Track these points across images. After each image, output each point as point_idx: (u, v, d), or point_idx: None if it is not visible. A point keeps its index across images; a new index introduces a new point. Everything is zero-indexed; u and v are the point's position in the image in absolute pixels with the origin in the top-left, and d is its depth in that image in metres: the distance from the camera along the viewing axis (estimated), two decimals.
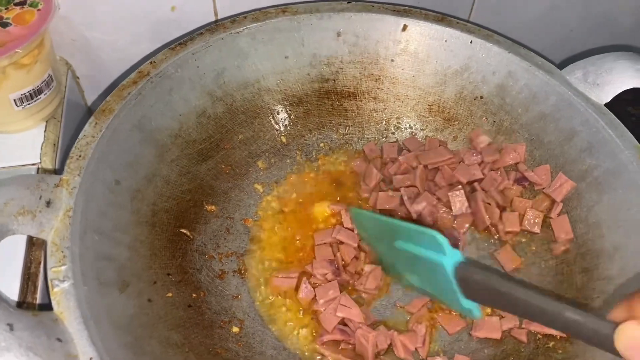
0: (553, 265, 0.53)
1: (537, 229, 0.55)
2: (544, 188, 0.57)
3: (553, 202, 0.56)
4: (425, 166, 0.59)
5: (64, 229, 0.43)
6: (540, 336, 0.50)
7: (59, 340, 0.38)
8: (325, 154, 0.63)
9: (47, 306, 0.42)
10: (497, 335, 0.50)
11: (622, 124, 0.54)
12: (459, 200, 0.56)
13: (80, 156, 0.47)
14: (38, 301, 0.46)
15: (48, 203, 0.44)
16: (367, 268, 0.53)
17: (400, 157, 0.60)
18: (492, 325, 0.50)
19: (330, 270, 0.53)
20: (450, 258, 0.39)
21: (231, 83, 0.58)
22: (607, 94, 0.55)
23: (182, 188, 0.54)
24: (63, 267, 0.41)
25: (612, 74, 0.56)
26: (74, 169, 0.46)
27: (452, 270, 0.39)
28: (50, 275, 0.41)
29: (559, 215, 0.55)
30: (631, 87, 0.55)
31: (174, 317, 0.47)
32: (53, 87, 0.56)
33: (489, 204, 0.56)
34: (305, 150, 0.62)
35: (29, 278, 0.47)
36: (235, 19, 0.58)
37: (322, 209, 0.59)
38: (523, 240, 0.56)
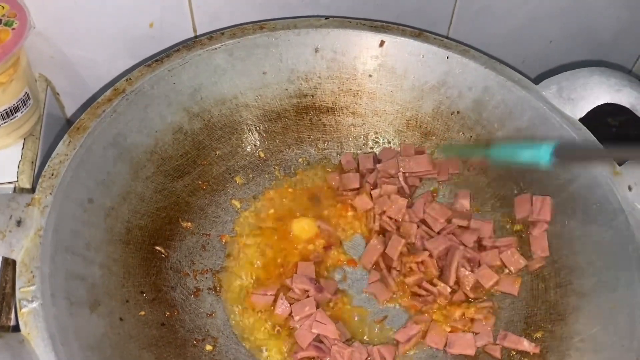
0: (528, 281, 0.54)
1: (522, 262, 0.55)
2: (528, 216, 0.57)
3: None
4: (405, 174, 0.60)
5: (34, 248, 0.43)
6: (514, 352, 0.50)
7: None
8: (304, 169, 0.63)
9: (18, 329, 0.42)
10: (471, 351, 0.50)
11: (596, 140, 0.54)
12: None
13: (52, 174, 0.47)
14: (12, 322, 0.46)
15: (19, 222, 0.44)
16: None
17: (378, 166, 0.61)
18: (466, 341, 0.50)
19: (312, 287, 0.53)
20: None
21: (208, 99, 0.59)
22: (582, 109, 0.56)
23: (158, 205, 0.54)
24: (32, 287, 0.41)
25: (586, 89, 0.56)
26: (46, 188, 0.46)
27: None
28: (18, 295, 0.41)
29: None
30: (605, 102, 0.55)
31: (146, 336, 0.47)
32: (30, 105, 0.56)
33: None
34: (284, 165, 0.62)
35: (3, 299, 0.47)
36: (212, 36, 0.58)
37: (302, 226, 0.59)
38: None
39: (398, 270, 0.55)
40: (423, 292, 0.54)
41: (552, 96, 0.57)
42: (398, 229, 0.58)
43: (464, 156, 0.61)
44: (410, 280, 0.54)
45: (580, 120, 0.56)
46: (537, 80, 0.59)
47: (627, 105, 0.54)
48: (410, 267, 0.55)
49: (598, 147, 0.51)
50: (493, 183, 0.59)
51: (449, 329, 0.52)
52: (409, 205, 0.59)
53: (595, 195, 0.52)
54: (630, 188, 0.51)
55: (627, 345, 0.43)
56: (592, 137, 0.54)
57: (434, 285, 0.54)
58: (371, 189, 0.60)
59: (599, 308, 0.47)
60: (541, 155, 0.46)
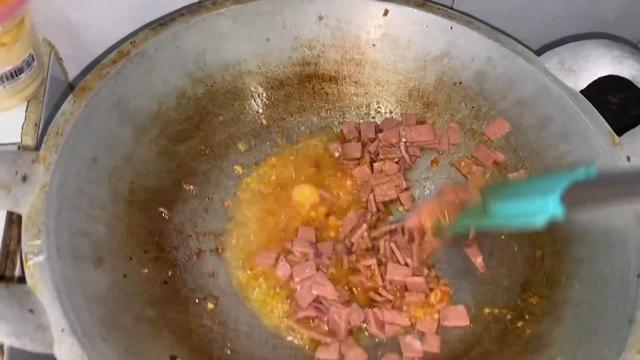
0: (525, 248, 0.54)
1: None
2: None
3: None
4: (406, 144, 0.60)
5: (39, 204, 0.43)
6: (510, 316, 0.51)
7: (30, 311, 0.38)
8: (306, 137, 0.63)
9: (23, 281, 0.43)
10: (465, 322, 0.51)
11: (596, 111, 0.55)
12: None
13: (58, 133, 0.47)
14: (18, 274, 0.47)
15: (24, 178, 0.45)
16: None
17: (380, 135, 0.61)
18: (459, 313, 0.51)
19: (312, 250, 0.54)
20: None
21: (212, 65, 0.59)
22: (583, 81, 0.56)
23: (161, 168, 0.55)
24: (38, 241, 0.42)
25: (588, 60, 0.56)
26: (51, 146, 0.47)
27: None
28: (24, 248, 0.41)
29: None
30: (607, 74, 0.56)
31: (149, 293, 0.47)
32: (34, 67, 0.56)
33: None
34: (286, 133, 0.63)
35: (7, 255, 0.47)
36: (216, 1, 0.58)
37: (303, 192, 0.59)
38: None
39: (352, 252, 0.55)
40: (378, 298, 0.53)
41: (554, 67, 0.57)
42: (378, 210, 0.58)
43: (469, 227, 0.53)
44: (353, 279, 0.54)
45: (582, 92, 0.56)
46: (540, 52, 0.59)
47: (629, 77, 0.55)
48: (357, 267, 0.54)
49: (614, 184, 0.40)
50: (493, 153, 0.60)
51: (435, 315, 0.52)
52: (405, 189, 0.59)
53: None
54: (628, 159, 0.52)
55: (620, 309, 0.44)
56: (592, 108, 0.55)
57: (380, 295, 0.53)
58: (371, 159, 0.61)
59: (594, 274, 0.48)
60: (549, 209, 0.40)
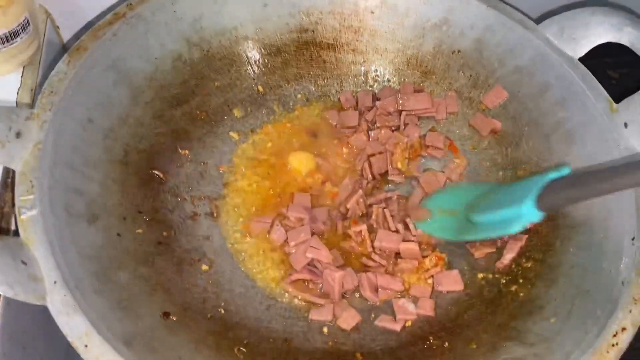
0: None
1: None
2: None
3: None
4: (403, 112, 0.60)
5: (33, 160, 0.43)
6: (504, 281, 0.51)
7: (23, 262, 0.38)
8: (303, 105, 0.63)
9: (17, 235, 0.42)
10: (459, 287, 0.51)
11: (594, 78, 0.54)
12: None
13: (52, 92, 0.47)
14: (13, 228, 0.47)
15: (18, 134, 0.44)
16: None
17: (377, 103, 0.61)
18: (452, 278, 0.51)
19: (307, 216, 0.54)
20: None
21: (208, 29, 0.58)
22: (582, 48, 0.56)
23: (156, 130, 0.55)
24: (31, 196, 0.42)
25: (587, 28, 0.56)
26: (46, 104, 0.46)
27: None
28: (17, 203, 0.41)
29: None
30: (606, 41, 0.55)
31: (143, 252, 0.47)
32: (30, 31, 0.55)
33: None
34: (283, 100, 0.63)
35: (2, 218, 0.47)
36: None
37: (299, 159, 0.59)
38: None
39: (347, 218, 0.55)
40: (371, 263, 0.53)
41: (553, 35, 0.57)
42: (374, 178, 0.58)
43: (444, 237, 0.54)
44: (345, 244, 0.54)
45: (583, 64, 0.56)
46: (539, 21, 0.59)
47: (628, 44, 0.54)
48: (348, 233, 0.54)
49: (586, 181, 0.41)
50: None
51: (429, 280, 0.52)
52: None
53: (592, 132, 0.52)
54: (626, 125, 0.51)
55: (614, 271, 0.44)
56: (591, 76, 0.54)
57: (373, 260, 0.53)
58: (368, 127, 0.60)
59: (589, 238, 0.48)
60: (524, 216, 0.43)
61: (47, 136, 0.45)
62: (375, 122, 0.61)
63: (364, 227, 0.53)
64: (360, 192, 0.55)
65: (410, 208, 0.56)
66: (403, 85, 0.63)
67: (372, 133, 0.60)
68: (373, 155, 0.59)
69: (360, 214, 0.55)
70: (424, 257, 0.53)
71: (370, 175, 0.58)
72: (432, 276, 0.52)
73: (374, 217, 0.54)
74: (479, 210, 0.49)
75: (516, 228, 0.45)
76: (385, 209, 0.54)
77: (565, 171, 0.43)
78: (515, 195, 0.45)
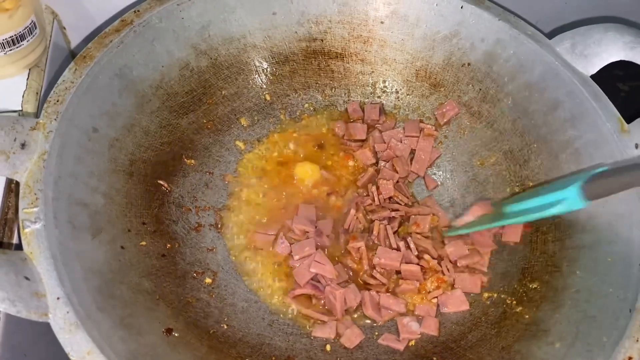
0: (528, 233, 0.54)
1: None
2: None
3: None
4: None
5: (38, 171, 0.43)
6: (509, 301, 0.50)
7: (26, 278, 0.38)
8: (310, 115, 0.62)
9: (20, 249, 0.42)
10: (465, 307, 0.51)
11: (605, 96, 0.53)
12: None
13: (58, 101, 0.47)
14: (15, 241, 0.47)
15: (23, 145, 0.44)
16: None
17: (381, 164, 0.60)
18: (457, 298, 0.51)
19: (312, 228, 0.53)
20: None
21: (216, 37, 0.58)
22: (594, 66, 0.55)
23: (162, 140, 0.54)
24: (35, 209, 0.41)
25: (600, 45, 0.55)
26: (51, 114, 0.46)
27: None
28: (21, 216, 0.41)
29: None
30: (618, 59, 0.54)
31: (146, 265, 0.47)
32: (36, 34, 0.55)
33: None
34: (290, 109, 0.62)
35: (5, 223, 0.47)
36: None
37: (305, 170, 0.59)
38: None
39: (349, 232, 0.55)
40: (371, 281, 0.52)
41: (565, 51, 0.56)
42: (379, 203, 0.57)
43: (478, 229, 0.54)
44: (345, 260, 0.53)
45: (592, 77, 0.55)
46: (551, 35, 0.58)
47: None
48: (347, 249, 0.54)
49: (630, 173, 0.43)
50: (500, 137, 0.59)
51: (434, 300, 0.52)
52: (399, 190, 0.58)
53: (601, 152, 0.52)
54: (637, 146, 0.51)
55: (621, 297, 0.44)
56: (601, 93, 0.54)
57: (374, 278, 0.52)
58: (375, 149, 0.60)
59: (596, 261, 0.48)
60: (570, 200, 0.44)
61: (53, 146, 0.44)
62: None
63: (362, 244, 0.52)
64: (353, 211, 0.55)
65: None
66: (407, 124, 0.62)
67: (378, 146, 0.60)
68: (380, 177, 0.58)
69: (362, 228, 0.55)
70: (425, 279, 0.52)
71: (377, 201, 0.57)
72: (436, 297, 0.51)
73: (375, 233, 0.54)
74: (515, 201, 0.50)
75: (557, 210, 0.45)
76: (387, 225, 0.54)
77: (603, 169, 0.44)
78: (557, 185, 0.46)
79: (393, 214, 0.55)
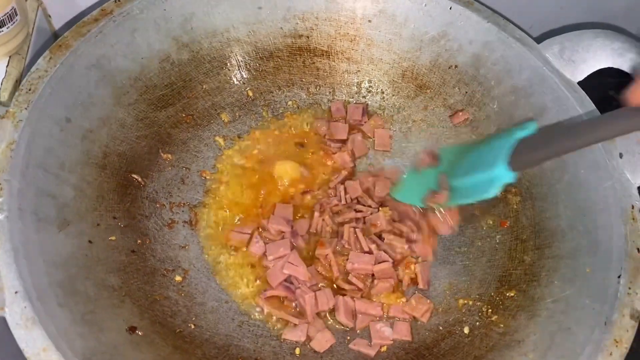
0: (507, 241, 0.53)
1: None
2: None
3: None
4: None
5: (5, 161, 0.42)
6: (484, 309, 0.49)
7: None
8: (293, 112, 0.61)
9: None
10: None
11: (592, 103, 0.52)
12: None
13: (30, 90, 0.46)
14: None
15: None
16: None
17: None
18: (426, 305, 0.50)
19: (288, 228, 0.52)
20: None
21: (199, 30, 0.57)
22: (582, 72, 0.54)
23: (138, 133, 0.53)
24: None
25: (589, 51, 0.54)
26: (22, 102, 0.45)
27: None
28: None
29: None
30: (606, 66, 0.53)
31: (114, 261, 0.46)
32: (17, 21, 0.54)
33: None
34: (272, 106, 0.61)
35: None
36: None
37: (285, 168, 0.57)
38: (477, 213, 0.55)
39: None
40: (346, 286, 0.51)
41: (553, 56, 0.55)
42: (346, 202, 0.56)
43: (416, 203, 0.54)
44: (316, 267, 0.52)
45: (583, 86, 0.54)
46: (540, 40, 0.57)
47: (629, 71, 0.52)
48: (317, 256, 0.53)
49: (555, 138, 0.42)
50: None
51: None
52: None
53: (586, 160, 0.51)
54: (621, 155, 0.50)
55: (597, 309, 0.43)
56: (589, 101, 0.53)
57: (349, 283, 0.51)
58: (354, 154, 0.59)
59: (575, 271, 0.47)
60: (499, 178, 0.43)
61: (22, 136, 0.43)
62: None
63: (329, 252, 0.51)
64: (317, 214, 0.54)
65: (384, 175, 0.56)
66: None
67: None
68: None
69: (330, 231, 0.54)
70: (397, 270, 0.52)
71: (343, 200, 0.56)
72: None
73: (345, 237, 0.53)
74: (455, 174, 0.49)
75: (493, 192, 0.44)
76: (356, 229, 0.53)
77: (532, 127, 0.43)
78: (488, 158, 0.45)
79: (358, 214, 0.54)
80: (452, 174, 0.50)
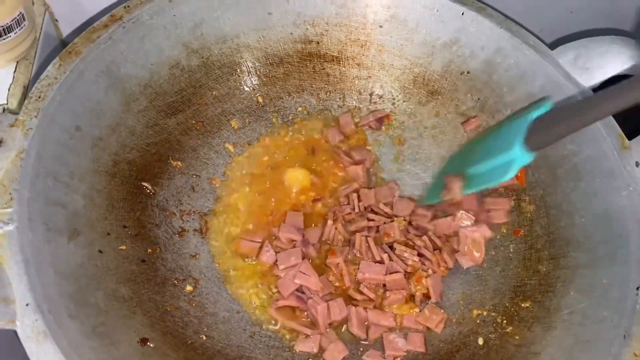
0: (522, 250, 0.52)
1: None
2: None
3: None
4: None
5: (14, 170, 0.42)
6: (499, 320, 0.49)
7: None
8: (303, 119, 0.61)
9: None
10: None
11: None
12: None
13: (39, 97, 0.45)
14: None
15: (0, 142, 0.42)
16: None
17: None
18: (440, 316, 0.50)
19: (300, 237, 0.52)
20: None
21: (209, 36, 0.56)
22: (596, 79, 0.53)
23: (148, 140, 0.53)
24: (9, 209, 0.40)
25: (603, 58, 0.53)
26: (32, 110, 0.44)
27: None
28: None
29: None
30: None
31: (125, 271, 0.45)
32: (25, 26, 0.53)
33: None
34: (282, 113, 0.60)
35: None
36: None
37: (296, 176, 0.57)
38: None
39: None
40: (358, 296, 0.50)
41: (567, 63, 0.54)
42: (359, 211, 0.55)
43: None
44: (328, 276, 0.52)
45: (594, 90, 0.53)
46: (555, 45, 0.56)
47: None
48: (329, 265, 0.52)
49: (570, 114, 0.41)
50: None
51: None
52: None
53: (601, 168, 0.50)
54: (637, 164, 0.49)
55: (615, 322, 0.42)
56: None
57: (361, 293, 0.51)
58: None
59: (592, 282, 0.46)
60: (518, 159, 0.43)
61: (31, 145, 0.43)
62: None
63: (340, 260, 0.51)
64: (330, 222, 0.53)
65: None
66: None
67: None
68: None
69: (342, 239, 0.53)
70: (409, 282, 0.51)
71: (357, 209, 0.55)
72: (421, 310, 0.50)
73: (357, 246, 0.52)
74: (471, 162, 0.49)
75: (511, 174, 0.44)
76: (368, 237, 0.52)
77: (547, 106, 0.43)
78: (504, 141, 0.45)
79: (371, 223, 0.53)
80: (468, 163, 0.49)
